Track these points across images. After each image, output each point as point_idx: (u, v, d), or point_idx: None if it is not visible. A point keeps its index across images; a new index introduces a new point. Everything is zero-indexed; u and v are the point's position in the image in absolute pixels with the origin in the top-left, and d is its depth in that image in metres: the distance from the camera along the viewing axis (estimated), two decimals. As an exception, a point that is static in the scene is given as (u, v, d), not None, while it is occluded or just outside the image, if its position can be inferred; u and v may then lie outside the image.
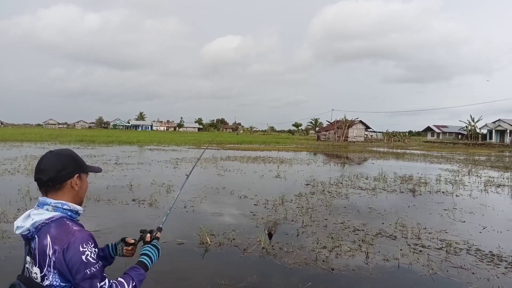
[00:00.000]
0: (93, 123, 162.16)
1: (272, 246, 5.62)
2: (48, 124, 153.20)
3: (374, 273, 4.72)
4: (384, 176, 14.70)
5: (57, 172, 1.60)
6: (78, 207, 1.68)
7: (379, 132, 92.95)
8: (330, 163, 21.62)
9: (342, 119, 71.91)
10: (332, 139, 69.34)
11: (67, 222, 1.59)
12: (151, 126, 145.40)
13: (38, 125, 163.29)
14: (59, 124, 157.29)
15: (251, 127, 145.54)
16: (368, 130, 78.95)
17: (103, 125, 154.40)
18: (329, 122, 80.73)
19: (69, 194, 1.66)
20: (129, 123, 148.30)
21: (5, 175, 12.36)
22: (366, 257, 5.30)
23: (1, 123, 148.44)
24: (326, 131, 76.84)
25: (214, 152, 26.96)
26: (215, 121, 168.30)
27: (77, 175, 1.67)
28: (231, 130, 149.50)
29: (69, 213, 1.63)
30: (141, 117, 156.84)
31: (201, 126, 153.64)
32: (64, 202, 1.62)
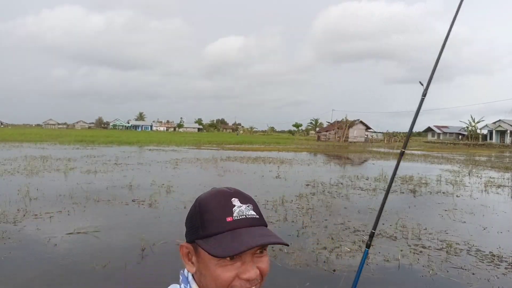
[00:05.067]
0: (92, 123, 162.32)
1: (272, 247, 5.61)
2: (47, 124, 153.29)
3: (375, 274, 4.71)
4: (385, 176, 14.68)
5: (186, 225, 0.91)
6: None
7: (380, 132, 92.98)
8: (331, 164, 21.60)
9: (343, 119, 71.92)
10: (333, 140, 69.32)
11: None
12: (151, 126, 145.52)
13: (38, 125, 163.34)
14: (58, 124, 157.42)
15: (251, 128, 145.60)
16: (369, 130, 78.98)
17: (102, 125, 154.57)
18: (329, 122, 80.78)
19: (197, 270, 0.88)
20: (128, 123, 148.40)
21: (5, 175, 12.35)
22: (367, 258, 5.29)
23: (1, 123, 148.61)
24: (327, 131, 76.82)
25: (214, 153, 26.95)
26: (215, 122, 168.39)
27: (191, 242, 0.87)
28: (231, 130, 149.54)
29: None
30: (140, 117, 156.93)
31: (201, 127, 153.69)
32: (189, 277, 0.90)
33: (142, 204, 8.51)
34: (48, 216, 7.15)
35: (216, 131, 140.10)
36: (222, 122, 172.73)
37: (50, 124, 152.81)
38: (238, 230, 0.81)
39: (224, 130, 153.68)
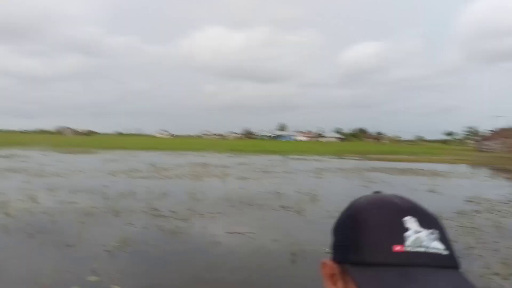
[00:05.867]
0: (242, 133, 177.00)
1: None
2: (205, 135, 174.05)
3: None
4: None
5: (333, 234, 0.66)
6: None
7: None
8: (499, 178, 18.62)
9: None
10: (498, 151, 59.61)
11: None
12: (293, 136, 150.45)
13: (198, 136, 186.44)
14: (214, 135, 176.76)
15: (396, 137, 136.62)
16: (548, 139, 65.18)
17: (250, 135, 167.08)
18: (491, 130, 69.87)
19: None
20: (273, 133, 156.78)
21: (175, 179, 14.46)
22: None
23: (171, 135, 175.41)
24: (489, 140, 66.59)
25: (357, 163, 26.22)
26: (355, 131, 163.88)
27: (339, 262, 0.61)
28: (372, 140, 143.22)
29: None
30: (283, 128, 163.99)
31: (342, 136, 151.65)
32: None
33: (290, 210, 8.86)
34: (211, 216, 8.09)
35: (358, 141, 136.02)
36: (362, 131, 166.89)
37: (207, 135, 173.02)
38: (411, 270, 0.52)
39: (366, 139, 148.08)
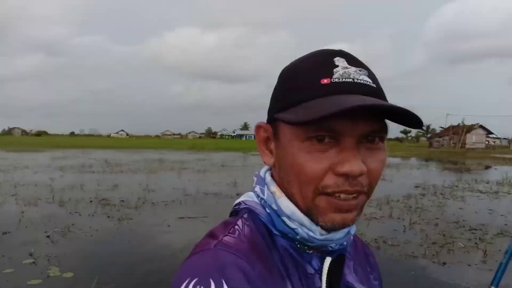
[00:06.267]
0: (202, 133, 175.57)
1: (375, 239, 5.34)
2: (164, 135, 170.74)
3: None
4: (510, 181, 12.85)
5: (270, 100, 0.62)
6: (284, 204, 0.55)
7: (504, 138, 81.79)
8: (444, 169, 19.72)
9: (459, 124, 65.21)
10: (447, 146, 63.21)
11: (244, 220, 0.57)
12: (254, 135, 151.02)
13: (157, 136, 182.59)
14: (174, 134, 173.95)
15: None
16: (490, 136, 70.10)
17: (211, 135, 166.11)
18: (442, 128, 73.98)
19: (276, 161, 0.58)
20: (234, 133, 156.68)
21: (129, 173, 14.06)
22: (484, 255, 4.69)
23: (127, 134, 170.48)
24: (440, 137, 70.44)
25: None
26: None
27: (271, 121, 0.59)
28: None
29: (262, 202, 0.59)
30: (245, 127, 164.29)
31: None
32: (267, 177, 0.61)
33: (245, 197, 8.86)
34: (164, 204, 7.92)
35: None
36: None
37: (167, 135, 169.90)
38: (337, 96, 0.50)
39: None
